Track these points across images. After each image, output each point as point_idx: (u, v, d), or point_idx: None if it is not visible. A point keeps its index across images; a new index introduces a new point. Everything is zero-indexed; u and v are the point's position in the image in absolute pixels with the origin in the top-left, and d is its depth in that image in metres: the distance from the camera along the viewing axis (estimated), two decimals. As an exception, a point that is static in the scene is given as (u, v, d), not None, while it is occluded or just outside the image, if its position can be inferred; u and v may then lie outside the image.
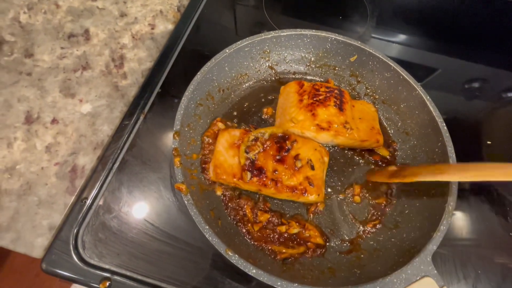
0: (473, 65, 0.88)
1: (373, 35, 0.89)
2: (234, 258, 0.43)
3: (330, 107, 0.58)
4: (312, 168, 0.55)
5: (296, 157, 0.55)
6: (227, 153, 0.56)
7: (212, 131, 0.61)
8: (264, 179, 0.53)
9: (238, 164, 0.55)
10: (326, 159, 0.58)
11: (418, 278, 0.43)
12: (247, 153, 0.55)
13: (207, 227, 0.45)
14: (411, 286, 0.43)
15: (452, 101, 0.82)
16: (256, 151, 0.55)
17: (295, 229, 0.54)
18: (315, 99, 0.59)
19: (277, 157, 0.55)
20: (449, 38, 0.93)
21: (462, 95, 0.82)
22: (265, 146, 0.56)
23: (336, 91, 0.61)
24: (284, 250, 0.52)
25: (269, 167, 0.54)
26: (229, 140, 0.58)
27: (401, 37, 0.91)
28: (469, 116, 0.80)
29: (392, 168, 0.58)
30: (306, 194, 0.53)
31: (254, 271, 0.42)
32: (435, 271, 0.44)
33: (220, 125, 0.62)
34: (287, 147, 0.55)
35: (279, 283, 0.41)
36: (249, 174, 0.54)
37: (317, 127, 0.57)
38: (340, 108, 0.59)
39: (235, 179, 0.54)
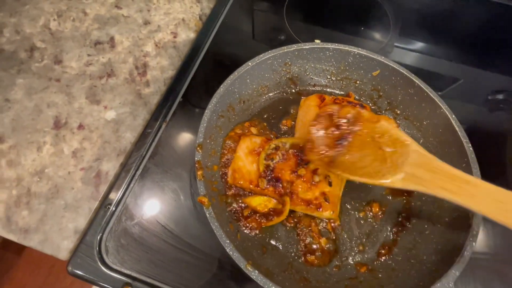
0: (498, 76, 0.85)
1: (396, 44, 0.87)
2: (254, 274, 0.44)
3: None
4: (330, 184, 0.55)
5: (315, 171, 0.55)
6: (247, 159, 0.57)
7: (235, 134, 0.63)
8: (280, 189, 0.54)
9: (256, 171, 0.56)
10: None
11: (439, 305, 0.43)
12: (266, 160, 0.56)
13: (228, 241, 0.45)
14: (432, 312, 0.42)
15: (475, 112, 0.80)
16: (275, 160, 0.56)
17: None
18: None
19: (296, 169, 0.55)
20: (474, 48, 0.90)
21: (485, 106, 0.80)
22: (284, 156, 0.57)
23: (357, 106, 0.60)
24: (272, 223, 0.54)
25: (286, 178, 0.55)
26: (250, 147, 0.59)
27: (424, 46, 0.89)
28: (492, 128, 0.78)
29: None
30: (321, 210, 0.53)
31: (273, 287, 0.43)
32: (457, 298, 0.43)
33: (253, 129, 0.64)
34: (307, 160, 0.56)
35: (297, 302, 0.42)
36: (265, 182, 0.55)
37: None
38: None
39: (251, 185, 0.56)
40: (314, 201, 0.54)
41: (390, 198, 0.60)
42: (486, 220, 0.61)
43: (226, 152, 0.61)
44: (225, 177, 0.59)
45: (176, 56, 0.81)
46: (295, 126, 0.65)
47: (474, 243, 0.47)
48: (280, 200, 0.56)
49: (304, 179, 0.55)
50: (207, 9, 0.91)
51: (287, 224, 0.57)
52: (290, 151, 0.57)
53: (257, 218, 0.56)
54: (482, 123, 0.78)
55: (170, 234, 0.57)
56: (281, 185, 0.55)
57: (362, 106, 0.61)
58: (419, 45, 0.89)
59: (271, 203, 0.56)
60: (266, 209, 0.56)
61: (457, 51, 0.89)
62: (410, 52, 0.87)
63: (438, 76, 0.85)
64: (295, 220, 0.57)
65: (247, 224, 0.55)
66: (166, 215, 0.59)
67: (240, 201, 0.57)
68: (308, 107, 0.63)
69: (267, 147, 0.57)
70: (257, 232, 0.55)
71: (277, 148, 0.57)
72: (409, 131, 0.67)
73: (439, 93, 0.83)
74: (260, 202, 0.56)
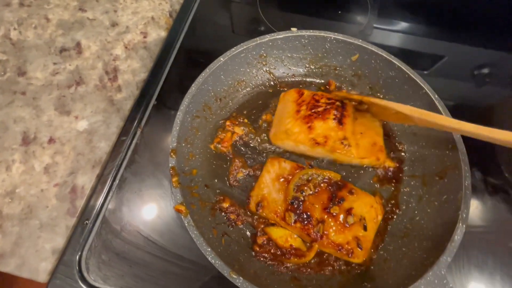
0: (482, 51, 0.84)
1: (375, 26, 0.85)
2: (238, 281, 0.42)
3: (328, 121, 0.55)
4: (365, 228, 0.49)
5: (349, 212, 0.50)
6: (273, 186, 0.52)
7: (221, 140, 0.60)
8: (309, 226, 0.49)
9: (283, 202, 0.51)
10: (380, 217, 0.53)
11: (432, 293, 0.41)
12: (295, 192, 0.50)
13: (209, 249, 0.43)
14: (425, 302, 0.41)
15: (461, 89, 0.78)
16: (306, 193, 0.50)
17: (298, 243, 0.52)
18: (313, 110, 0.56)
19: (328, 206, 0.50)
20: (455, 23, 0.88)
21: (471, 82, 0.79)
22: (317, 189, 0.51)
23: (337, 103, 0.57)
24: (288, 262, 0.50)
25: (316, 215, 0.49)
26: (278, 172, 0.53)
27: (405, 25, 0.87)
28: (479, 104, 0.76)
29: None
30: (352, 256, 0.48)
31: (259, 293, 0.41)
32: (451, 285, 0.42)
33: (237, 129, 0.60)
34: (341, 197, 0.51)
35: (286, 306, 0.40)
36: (293, 217, 0.49)
37: (312, 141, 0.54)
38: (340, 122, 0.55)
39: (276, 217, 0.50)
40: (346, 246, 0.48)
41: (378, 186, 0.58)
42: (476, 200, 0.60)
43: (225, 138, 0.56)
44: (248, 202, 0.53)
45: (147, 57, 0.77)
46: (273, 121, 0.62)
47: (464, 226, 0.45)
48: (306, 239, 0.50)
49: (337, 220, 0.49)
50: (177, 5, 0.86)
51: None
52: (323, 184, 0.51)
53: (272, 251, 0.50)
54: (469, 100, 0.77)
55: (154, 245, 0.55)
56: (311, 223, 0.49)
57: (343, 104, 0.58)
58: (399, 25, 0.86)
59: (295, 240, 0.50)
60: (286, 245, 0.50)
61: (438, 28, 0.87)
62: (391, 32, 0.84)
63: (422, 55, 0.83)
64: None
65: (263, 255, 0.50)
66: (148, 226, 0.56)
67: (259, 228, 0.52)
68: (286, 103, 0.60)
69: (298, 176, 0.51)
70: (269, 262, 0.50)
71: (309, 180, 0.51)
72: (393, 115, 0.64)
73: (425, 72, 0.82)
74: (282, 235, 0.51)
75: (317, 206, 0.50)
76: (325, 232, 0.49)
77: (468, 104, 0.75)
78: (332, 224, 0.49)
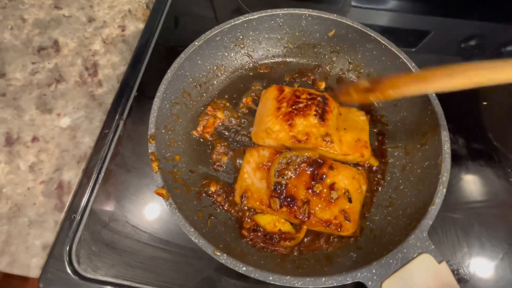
0: (467, 23, 0.83)
1: (353, 4, 0.83)
2: (222, 258, 0.42)
3: (309, 117, 0.53)
4: (350, 200, 0.50)
5: (332, 187, 0.50)
6: (254, 175, 0.52)
7: (204, 127, 0.60)
8: (295, 209, 0.49)
9: (266, 189, 0.51)
10: (364, 187, 0.53)
11: (415, 256, 0.42)
12: (277, 177, 0.50)
13: (192, 229, 0.43)
14: (408, 265, 0.41)
15: (449, 63, 0.78)
16: (287, 176, 0.50)
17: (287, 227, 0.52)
18: (294, 107, 0.54)
19: (311, 185, 0.50)
20: (438, -4, 0.87)
21: (459, 55, 0.78)
22: (297, 171, 0.50)
23: (319, 98, 0.56)
24: (279, 247, 0.50)
25: (300, 196, 0.49)
26: (257, 161, 0.53)
27: (386, 2, 0.85)
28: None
29: (364, 82, 0.47)
30: (341, 230, 0.48)
31: (244, 268, 0.41)
32: (433, 246, 0.42)
33: (219, 114, 0.60)
34: (322, 174, 0.50)
35: (270, 278, 0.40)
36: (278, 202, 0.49)
37: (293, 139, 0.52)
38: (322, 118, 0.54)
39: (262, 206, 0.50)
40: (334, 221, 0.48)
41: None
42: (457, 167, 0.60)
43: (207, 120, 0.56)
44: (232, 196, 0.53)
45: (126, 50, 0.77)
46: (255, 119, 0.60)
47: (444, 190, 0.46)
48: (295, 222, 0.50)
49: (321, 197, 0.49)
50: (153, -4, 0.85)
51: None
52: (303, 165, 0.51)
53: (260, 235, 0.50)
54: None
55: (143, 233, 0.55)
56: (296, 205, 0.49)
57: (325, 99, 0.57)
58: (380, 1, 0.85)
59: (283, 225, 0.50)
60: (275, 230, 0.50)
61: (422, 3, 0.85)
62: (372, 10, 0.83)
63: (407, 32, 0.82)
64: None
65: (252, 239, 0.50)
66: (135, 215, 0.57)
67: (245, 215, 0.52)
68: (266, 100, 0.59)
69: (277, 161, 0.51)
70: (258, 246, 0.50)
71: (289, 162, 0.51)
72: (374, 88, 0.64)
73: (412, 49, 0.81)
74: (269, 221, 0.51)
75: (300, 187, 0.50)
76: (311, 211, 0.49)
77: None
78: (317, 202, 0.49)
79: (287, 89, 0.58)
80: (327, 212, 0.49)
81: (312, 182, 0.50)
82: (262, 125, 0.55)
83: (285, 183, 0.50)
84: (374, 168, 0.57)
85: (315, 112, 0.54)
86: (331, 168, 0.51)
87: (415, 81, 0.42)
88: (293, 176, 0.50)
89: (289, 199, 0.49)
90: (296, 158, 0.51)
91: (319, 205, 0.49)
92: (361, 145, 0.55)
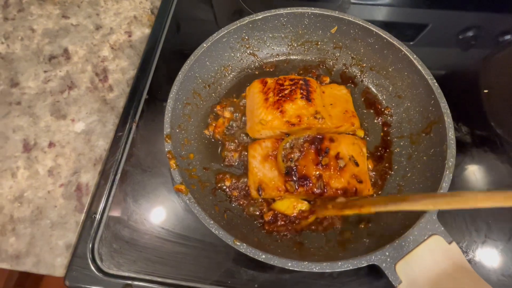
0: (464, 14, 0.84)
1: (352, 1, 0.86)
2: (242, 247, 0.44)
3: (297, 100, 0.55)
4: (356, 164, 0.52)
5: (337, 156, 0.52)
6: (264, 167, 0.54)
7: (216, 127, 0.62)
8: (311, 186, 0.51)
9: (279, 176, 0.53)
10: (365, 150, 0.56)
11: (425, 238, 0.44)
12: (285, 162, 0.52)
13: (212, 221, 0.45)
14: (420, 246, 0.43)
15: (448, 55, 0.79)
16: (295, 159, 0.52)
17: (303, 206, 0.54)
18: (280, 95, 0.56)
19: (319, 161, 0.52)
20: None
21: (457, 46, 0.80)
22: (302, 151, 0.53)
23: (301, 81, 0.58)
24: (301, 226, 0.52)
25: (312, 173, 0.51)
26: (262, 153, 0.55)
27: (384, -2, 0.87)
28: (466, 67, 0.78)
29: (341, 199, 0.50)
30: (358, 193, 0.51)
31: (263, 256, 0.43)
32: (442, 228, 0.44)
33: (226, 113, 0.62)
34: (325, 148, 0.53)
35: (289, 264, 0.42)
36: (293, 185, 0.51)
37: (287, 124, 0.54)
38: (308, 98, 0.56)
39: (281, 192, 0.52)
40: (349, 187, 0.51)
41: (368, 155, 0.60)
42: (462, 153, 0.62)
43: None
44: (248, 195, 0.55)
45: (134, 55, 0.79)
46: (246, 116, 0.63)
47: (451, 174, 0.47)
48: (313, 198, 0.52)
49: (331, 168, 0.52)
50: (157, 1, 0.88)
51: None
52: (306, 144, 0.53)
53: (282, 223, 0.52)
54: (457, 66, 0.77)
55: (161, 229, 0.57)
56: (311, 183, 0.51)
57: (306, 81, 0.59)
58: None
59: (302, 204, 0.53)
60: (296, 211, 0.53)
61: (418, -4, 0.87)
62: (370, 6, 0.85)
63: (405, 26, 0.84)
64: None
65: (277, 230, 0.52)
66: (154, 212, 0.59)
67: (264, 209, 0.54)
68: (253, 95, 0.61)
69: (281, 147, 0.53)
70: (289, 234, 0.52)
71: (292, 146, 0.53)
72: (377, 81, 0.66)
73: (411, 43, 0.83)
74: (288, 205, 0.53)
75: (309, 165, 0.52)
76: (326, 184, 0.51)
77: (455, 70, 0.76)
78: (328, 174, 0.52)
79: (270, 80, 0.60)
80: (340, 180, 0.52)
81: (319, 158, 0.53)
82: (255, 118, 0.57)
83: (294, 165, 0.52)
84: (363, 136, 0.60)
85: (301, 95, 0.56)
86: (331, 140, 0.54)
87: (394, 201, 0.42)
88: (300, 157, 0.53)
89: (302, 179, 0.51)
90: (298, 140, 0.54)
91: (331, 176, 0.52)
92: (349, 115, 0.58)
